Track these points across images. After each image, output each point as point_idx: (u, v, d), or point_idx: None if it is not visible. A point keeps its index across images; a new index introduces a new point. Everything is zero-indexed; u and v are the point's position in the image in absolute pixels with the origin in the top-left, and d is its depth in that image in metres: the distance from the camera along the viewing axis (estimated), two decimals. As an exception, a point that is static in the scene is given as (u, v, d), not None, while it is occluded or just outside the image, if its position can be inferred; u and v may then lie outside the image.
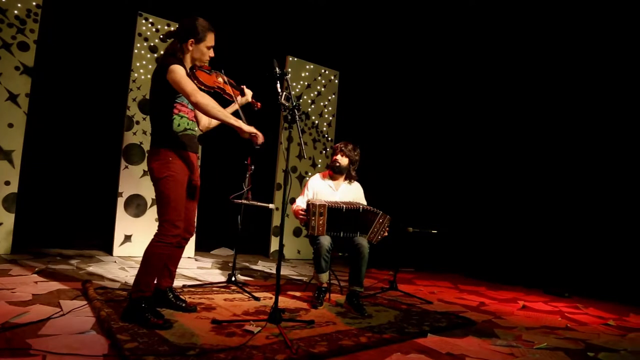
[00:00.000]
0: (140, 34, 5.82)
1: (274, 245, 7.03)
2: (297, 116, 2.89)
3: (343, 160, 4.08)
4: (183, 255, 5.91)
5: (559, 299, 5.37)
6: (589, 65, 6.42)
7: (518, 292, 5.57)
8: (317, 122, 7.44)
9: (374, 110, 8.28)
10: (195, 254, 6.28)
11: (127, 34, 5.91)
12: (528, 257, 6.90)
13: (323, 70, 7.55)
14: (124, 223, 5.59)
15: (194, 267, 5.32)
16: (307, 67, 7.36)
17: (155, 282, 3.13)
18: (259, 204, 4.08)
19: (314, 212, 3.73)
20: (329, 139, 7.59)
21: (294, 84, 7.21)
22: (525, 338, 3.27)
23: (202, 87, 3.00)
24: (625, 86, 6.10)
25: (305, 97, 7.32)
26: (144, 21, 5.85)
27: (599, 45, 6.27)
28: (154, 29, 5.91)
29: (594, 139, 6.49)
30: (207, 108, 2.75)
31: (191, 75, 2.96)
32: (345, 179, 4.17)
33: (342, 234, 3.83)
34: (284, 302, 3.82)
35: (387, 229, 3.89)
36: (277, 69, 2.97)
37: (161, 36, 5.96)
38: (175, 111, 2.92)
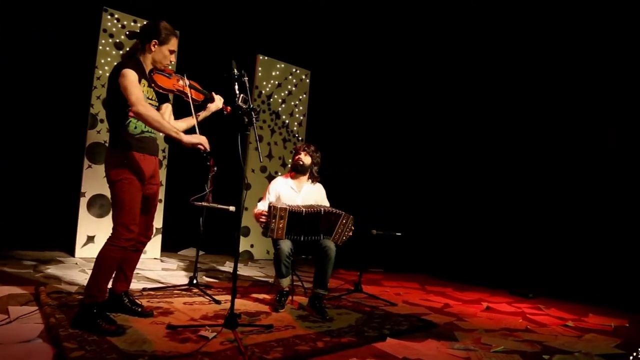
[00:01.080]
0: (105, 30, 5.69)
1: (243, 245, 6.97)
2: (253, 118, 2.83)
3: (306, 159, 4.06)
4: (148, 256, 5.92)
5: (523, 299, 5.45)
6: (558, 73, 6.54)
7: (484, 293, 5.64)
8: (287, 121, 7.40)
9: (345, 110, 8.27)
10: (162, 255, 6.18)
11: (91, 29, 5.77)
12: (495, 258, 7.00)
13: (294, 70, 7.51)
14: (86, 224, 5.46)
15: (159, 269, 5.23)
16: (278, 66, 7.31)
17: (110, 286, 3.06)
18: (218, 206, 4.02)
19: (274, 214, 3.70)
20: (300, 138, 7.56)
21: (264, 82, 7.16)
22: (484, 341, 3.30)
23: (160, 90, 2.98)
24: (582, 95, 6.25)
25: (275, 96, 7.27)
26: (109, 17, 5.72)
27: (581, 49, 6.38)
28: (119, 25, 5.79)
29: (556, 144, 6.61)
30: (148, 120, 2.71)
31: (149, 78, 2.92)
32: (308, 179, 4.15)
33: (302, 237, 3.80)
34: (246, 305, 3.78)
35: (352, 228, 3.89)
36: (235, 70, 2.92)
37: (127, 32, 5.83)
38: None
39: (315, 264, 3.82)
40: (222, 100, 3.19)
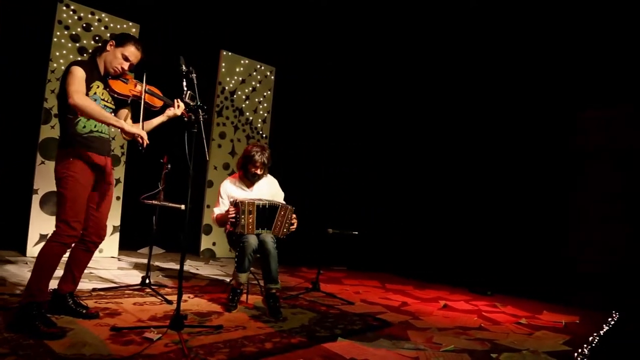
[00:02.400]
0: (60, 22, 5.52)
1: (205, 243, 6.88)
2: (200, 116, 2.78)
3: (261, 172, 3.99)
4: (105, 255, 5.78)
5: (481, 297, 5.53)
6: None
7: (443, 291, 5.70)
8: (251, 118, 7.33)
9: (310, 108, 8.24)
10: (120, 254, 6.05)
11: (46, 21, 5.58)
12: (455, 256, 7.09)
13: (259, 66, 7.44)
14: (39, 222, 5.29)
15: (114, 268, 5.11)
16: (242, 62, 7.24)
17: (55, 286, 2.98)
18: (169, 204, 3.95)
19: (243, 210, 3.65)
20: (264, 135, 7.50)
21: (228, 79, 7.07)
22: (436, 340, 3.32)
23: (116, 95, 2.98)
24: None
25: (239, 92, 7.19)
26: (64, 8, 5.54)
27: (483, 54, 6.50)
28: (76, 17, 5.62)
29: (515, 146, 6.74)
30: (85, 110, 2.69)
31: (105, 81, 2.94)
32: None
33: (260, 230, 3.77)
34: (199, 305, 3.72)
35: (294, 221, 3.86)
36: (183, 66, 2.87)
37: (84, 25, 5.67)
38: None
39: (260, 261, 3.78)
40: (183, 107, 3.12)
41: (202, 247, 6.87)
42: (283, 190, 4.25)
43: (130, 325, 2.91)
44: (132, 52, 2.96)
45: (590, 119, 6.27)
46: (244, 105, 7.25)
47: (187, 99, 2.85)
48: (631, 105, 5.92)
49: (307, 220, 5.13)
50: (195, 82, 2.88)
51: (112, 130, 3.08)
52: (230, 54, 7.12)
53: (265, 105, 7.53)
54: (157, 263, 5.70)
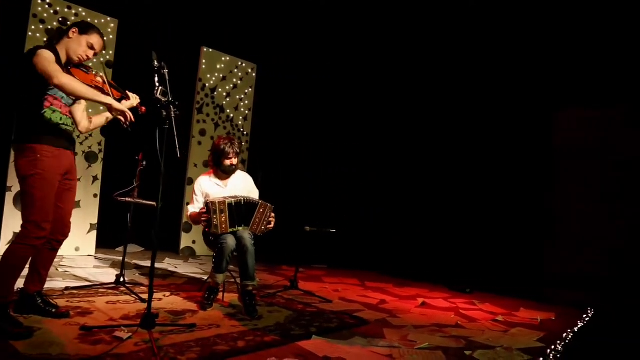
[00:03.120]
0: (35, 15, 5.42)
1: (185, 242, 6.82)
2: (172, 112, 2.73)
3: (236, 161, 3.96)
4: (81, 253, 5.69)
5: (460, 295, 5.56)
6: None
7: (423, 289, 5.71)
8: (232, 115, 7.28)
9: (292, 106, 8.21)
10: (97, 252, 5.96)
11: (21, 15, 5.47)
12: (436, 254, 7.13)
13: (240, 63, 7.39)
14: (13, 219, 5.19)
15: (90, 267, 5.03)
16: (223, 59, 7.18)
17: (23, 286, 2.92)
18: (142, 201, 3.89)
19: (214, 210, 3.61)
20: (245, 133, 7.45)
21: (209, 75, 7.01)
22: (411, 338, 3.33)
23: None
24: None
25: (220, 89, 7.14)
26: (40, 1, 5.44)
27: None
28: (51, 11, 5.52)
29: (493, 141, 6.79)
30: (72, 87, 2.60)
31: (65, 70, 2.80)
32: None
33: (235, 227, 3.74)
34: (174, 303, 3.68)
35: (272, 219, 3.84)
36: (155, 62, 2.82)
37: (60, 19, 5.57)
38: (47, 104, 2.75)
39: (237, 258, 3.75)
40: (138, 99, 3.07)
41: (182, 245, 6.81)
42: (262, 186, 4.22)
43: (101, 324, 2.87)
44: (97, 41, 2.89)
45: (568, 119, 6.33)
46: (224, 102, 7.19)
47: (158, 95, 2.79)
48: (613, 105, 6.00)
49: (287, 218, 5.13)
50: (167, 77, 2.83)
51: (72, 124, 2.97)
52: (211, 50, 7.06)
53: (246, 102, 7.48)
54: (135, 261, 5.63)
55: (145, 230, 6.00)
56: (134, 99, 3.08)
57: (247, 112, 7.50)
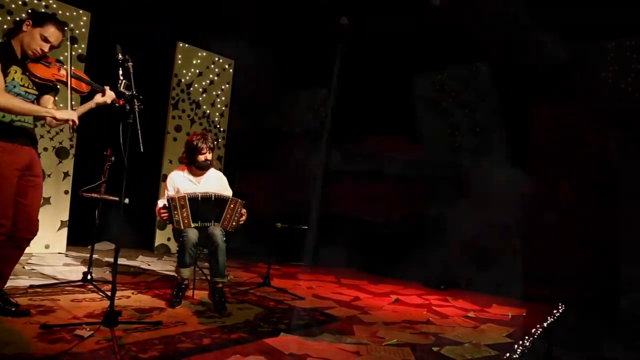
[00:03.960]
0: (2, 6, 5.27)
1: (159, 239, 6.74)
2: (136, 106, 2.68)
3: (211, 156, 3.92)
4: (52, 250, 5.58)
5: (434, 291, 5.59)
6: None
7: (398, 286, 5.73)
8: (208, 111, 7.19)
9: (269, 102, 8.15)
10: (68, 249, 5.85)
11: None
12: (412, 250, 7.14)
13: (217, 59, 7.31)
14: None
15: (60, 264, 4.94)
16: (200, 54, 7.09)
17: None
18: (110, 197, 3.83)
19: (174, 205, 3.56)
20: (221, 129, 7.37)
21: (184, 71, 6.92)
22: (380, 334, 3.32)
23: (37, 80, 2.81)
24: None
25: (196, 85, 7.05)
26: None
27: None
28: (20, 2, 5.38)
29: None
30: (9, 108, 2.58)
31: (23, 66, 2.76)
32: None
33: (199, 223, 3.70)
34: (142, 300, 3.62)
35: (243, 214, 3.81)
36: (119, 55, 2.76)
37: (29, 10, 5.43)
38: None
39: (208, 254, 3.71)
40: (113, 96, 2.99)
41: (157, 243, 6.72)
42: (239, 182, 4.18)
43: (64, 322, 2.80)
44: (53, 32, 2.75)
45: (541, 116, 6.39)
46: (200, 99, 7.11)
47: (122, 89, 2.74)
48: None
49: (261, 215, 5.09)
50: (131, 70, 2.77)
51: (30, 120, 2.90)
52: (187, 45, 6.97)
53: (223, 98, 7.41)
54: (107, 259, 5.54)
55: (119, 227, 5.89)
56: (108, 96, 2.99)
57: (224, 108, 7.42)
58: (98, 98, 3.01)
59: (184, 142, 4.84)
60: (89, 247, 6.27)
